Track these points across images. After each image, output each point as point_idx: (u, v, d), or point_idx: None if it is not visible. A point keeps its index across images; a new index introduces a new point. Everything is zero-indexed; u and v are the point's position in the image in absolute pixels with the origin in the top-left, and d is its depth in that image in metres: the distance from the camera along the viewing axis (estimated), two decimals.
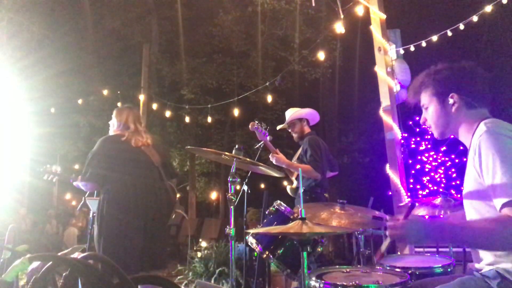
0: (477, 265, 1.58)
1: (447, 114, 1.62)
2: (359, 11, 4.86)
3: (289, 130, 3.84)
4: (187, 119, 10.38)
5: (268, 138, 3.47)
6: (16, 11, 10.28)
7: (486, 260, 1.51)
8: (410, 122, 8.59)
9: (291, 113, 3.78)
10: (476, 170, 1.46)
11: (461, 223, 1.46)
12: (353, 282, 1.73)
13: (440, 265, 2.10)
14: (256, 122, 3.40)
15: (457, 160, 8.69)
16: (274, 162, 3.50)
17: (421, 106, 1.73)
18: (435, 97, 1.64)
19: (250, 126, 3.40)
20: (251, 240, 2.30)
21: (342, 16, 5.04)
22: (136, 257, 2.85)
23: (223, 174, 15.16)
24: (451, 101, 1.59)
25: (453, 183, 8.53)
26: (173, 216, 3.33)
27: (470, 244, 1.51)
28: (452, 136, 1.70)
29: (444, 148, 8.81)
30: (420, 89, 1.70)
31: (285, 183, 3.93)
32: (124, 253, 2.80)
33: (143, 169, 3.06)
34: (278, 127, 3.96)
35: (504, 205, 1.33)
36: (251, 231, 1.88)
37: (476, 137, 1.47)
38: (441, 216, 2.52)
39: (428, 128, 1.72)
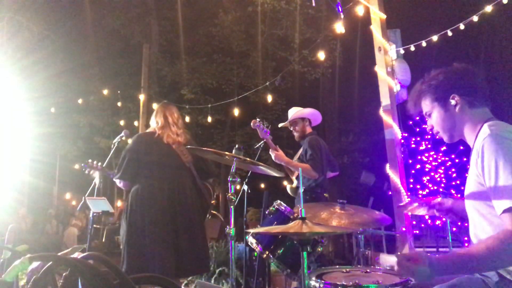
0: None
1: (451, 116, 1.62)
2: (359, 11, 4.86)
3: (291, 129, 3.85)
4: (187, 119, 10.38)
5: (269, 136, 3.48)
6: (16, 10, 10.28)
7: None
8: (410, 122, 8.59)
9: (294, 112, 3.79)
10: (478, 172, 1.46)
11: (467, 252, 1.41)
12: (353, 282, 1.73)
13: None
14: (258, 120, 3.41)
15: (457, 160, 8.70)
16: (273, 158, 3.51)
17: (424, 115, 1.73)
18: (436, 102, 1.65)
19: (252, 124, 3.40)
20: (251, 240, 2.30)
21: (342, 16, 5.03)
22: (163, 260, 2.80)
23: (223, 174, 15.15)
24: (453, 102, 1.60)
25: (453, 183, 8.53)
26: (209, 217, 3.27)
27: (483, 269, 1.47)
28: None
29: (444, 148, 8.82)
30: (419, 98, 1.71)
31: (285, 183, 3.93)
32: (146, 257, 2.79)
33: (172, 170, 3.04)
34: (280, 125, 3.98)
35: (506, 210, 1.33)
36: (251, 231, 1.88)
37: (480, 140, 1.47)
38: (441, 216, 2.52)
39: (436, 134, 1.72)
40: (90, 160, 3.69)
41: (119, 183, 3.11)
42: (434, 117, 1.67)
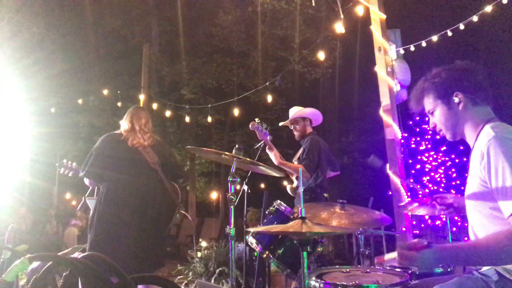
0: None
1: (455, 114, 1.61)
2: (359, 11, 4.87)
3: (291, 128, 3.85)
4: (187, 119, 10.39)
5: (268, 138, 3.47)
6: (16, 11, 10.27)
7: None
8: (410, 122, 8.58)
9: (295, 111, 3.79)
10: (482, 173, 1.46)
11: (472, 244, 1.43)
12: (353, 282, 1.73)
13: (440, 265, 2.09)
14: (257, 121, 3.40)
15: (457, 160, 8.67)
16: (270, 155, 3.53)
17: (426, 113, 1.72)
18: (439, 100, 1.63)
19: (250, 126, 3.40)
20: (251, 240, 2.30)
21: (342, 16, 5.04)
22: (125, 255, 2.84)
23: (223, 174, 15.15)
24: (456, 100, 1.59)
25: (453, 183, 8.51)
26: (177, 216, 3.33)
27: (485, 263, 1.48)
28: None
29: (444, 148, 8.79)
30: (422, 96, 1.70)
31: (285, 183, 3.93)
32: (111, 250, 2.82)
33: (137, 169, 3.07)
34: (281, 124, 3.99)
35: None
36: (251, 229, 1.88)
37: (483, 141, 1.46)
38: (441, 216, 2.53)
39: (439, 133, 1.71)
40: (64, 160, 3.68)
41: (85, 180, 3.14)
42: (437, 115, 1.66)
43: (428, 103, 1.68)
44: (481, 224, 1.52)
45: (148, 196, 3.03)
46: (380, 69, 4.61)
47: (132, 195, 2.97)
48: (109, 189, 2.99)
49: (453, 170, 8.69)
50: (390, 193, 4.46)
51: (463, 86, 1.59)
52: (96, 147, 3.09)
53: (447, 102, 1.61)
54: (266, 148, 3.52)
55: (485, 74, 1.62)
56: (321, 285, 1.73)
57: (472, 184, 1.54)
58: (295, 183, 3.74)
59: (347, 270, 1.97)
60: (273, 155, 3.47)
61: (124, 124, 3.22)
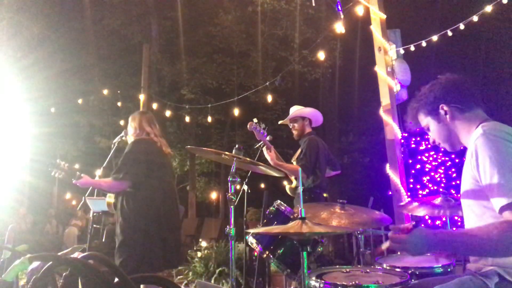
0: (475, 265, 1.58)
1: (445, 125, 1.70)
2: (359, 11, 4.87)
3: (290, 127, 3.84)
4: (187, 119, 10.38)
5: (267, 138, 3.47)
6: (16, 11, 10.28)
7: (485, 260, 1.52)
8: (410, 122, 8.57)
9: (294, 110, 3.79)
10: (473, 172, 1.50)
11: (462, 232, 1.45)
12: (353, 282, 1.73)
13: (440, 265, 2.10)
14: (255, 122, 3.40)
15: (457, 160, 8.68)
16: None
17: (425, 130, 1.82)
18: (429, 116, 1.74)
19: (248, 126, 3.39)
20: (251, 240, 2.30)
21: (342, 16, 5.03)
22: (163, 255, 3.00)
23: (223, 174, 15.15)
24: (442, 112, 1.68)
25: (453, 183, 8.51)
26: None
27: (473, 252, 1.51)
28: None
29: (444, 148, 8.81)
30: (416, 115, 1.81)
31: (284, 182, 3.93)
32: (153, 253, 2.95)
33: (171, 178, 3.33)
34: (280, 122, 3.99)
35: (503, 208, 1.35)
36: (251, 230, 1.88)
37: (473, 140, 1.51)
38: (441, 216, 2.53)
39: (439, 146, 1.79)
40: (58, 160, 3.33)
41: (114, 185, 3.05)
42: (431, 129, 1.76)
43: (422, 120, 1.79)
44: (475, 222, 1.54)
45: (175, 200, 3.26)
46: (380, 69, 4.61)
47: (169, 198, 3.14)
48: (157, 193, 3.07)
49: (453, 170, 8.69)
50: (390, 193, 4.46)
51: (446, 98, 1.67)
52: (133, 151, 3.10)
53: (436, 116, 1.71)
54: (265, 148, 3.52)
55: (469, 81, 1.69)
56: (321, 285, 1.73)
57: (466, 183, 1.58)
58: (294, 183, 3.73)
59: (347, 270, 1.97)
60: (269, 156, 3.46)
61: (147, 131, 3.24)
